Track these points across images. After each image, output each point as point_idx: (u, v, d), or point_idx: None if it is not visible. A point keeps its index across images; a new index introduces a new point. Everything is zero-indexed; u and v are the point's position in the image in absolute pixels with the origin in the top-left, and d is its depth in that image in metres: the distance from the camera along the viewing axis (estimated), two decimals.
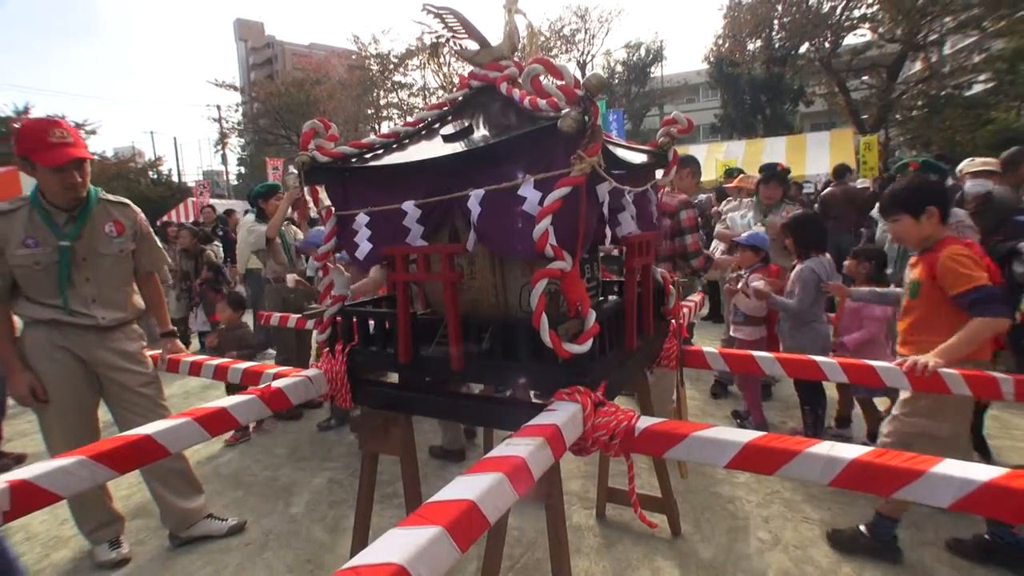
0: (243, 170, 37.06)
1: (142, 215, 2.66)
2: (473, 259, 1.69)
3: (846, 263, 3.54)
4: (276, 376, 2.04)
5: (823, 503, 2.80)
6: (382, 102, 28.59)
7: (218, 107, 33.68)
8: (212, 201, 19.70)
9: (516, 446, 1.15)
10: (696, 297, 3.08)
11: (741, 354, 2.20)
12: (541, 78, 1.35)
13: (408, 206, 1.63)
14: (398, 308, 1.70)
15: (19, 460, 3.93)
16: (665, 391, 3.11)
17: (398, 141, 1.87)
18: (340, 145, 1.84)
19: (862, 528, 2.43)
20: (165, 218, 15.45)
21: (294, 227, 5.21)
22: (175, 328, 2.86)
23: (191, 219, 15.81)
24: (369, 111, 28.60)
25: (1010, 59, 16.61)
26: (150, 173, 31.21)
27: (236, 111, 34.30)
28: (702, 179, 15.24)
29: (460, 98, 1.91)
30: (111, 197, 2.54)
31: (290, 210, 4.98)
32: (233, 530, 2.83)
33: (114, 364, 2.49)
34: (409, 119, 1.96)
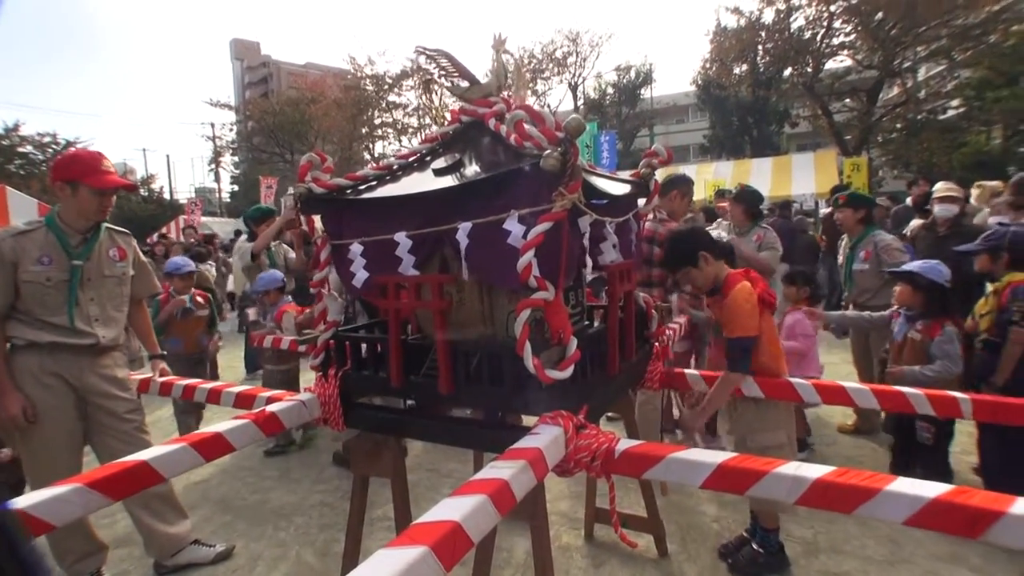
0: (236, 188, 37.14)
1: (137, 245, 2.81)
2: (462, 287, 1.76)
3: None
4: (269, 400, 2.11)
5: (805, 522, 2.86)
6: (377, 121, 28.80)
7: (212, 125, 33.90)
8: (205, 219, 19.74)
9: (499, 469, 1.21)
10: (681, 319, 3.16)
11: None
12: (524, 124, 1.44)
13: (400, 237, 1.71)
14: (390, 334, 1.77)
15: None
16: (651, 413, 3.18)
17: (391, 173, 1.95)
18: (335, 174, 1.93)
19: (754, 546, 2.54)
20: (160, 232, 15.43)
21: (286, 246, 5.28)
22: (164, 352, 2.93)
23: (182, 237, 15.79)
24: (364, 130, 28.80)
25: (977, 87, 17.49)
26: (141, 191, 31.16)
27: (231, 130, 34.47)
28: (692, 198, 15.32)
29: (451, 132, 2.00)
30: (114, 227, 2.70)
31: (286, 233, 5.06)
32: (220, 556, 2.82)
33: (103, 391, 2.52)
34: (403, 145, 2.05)
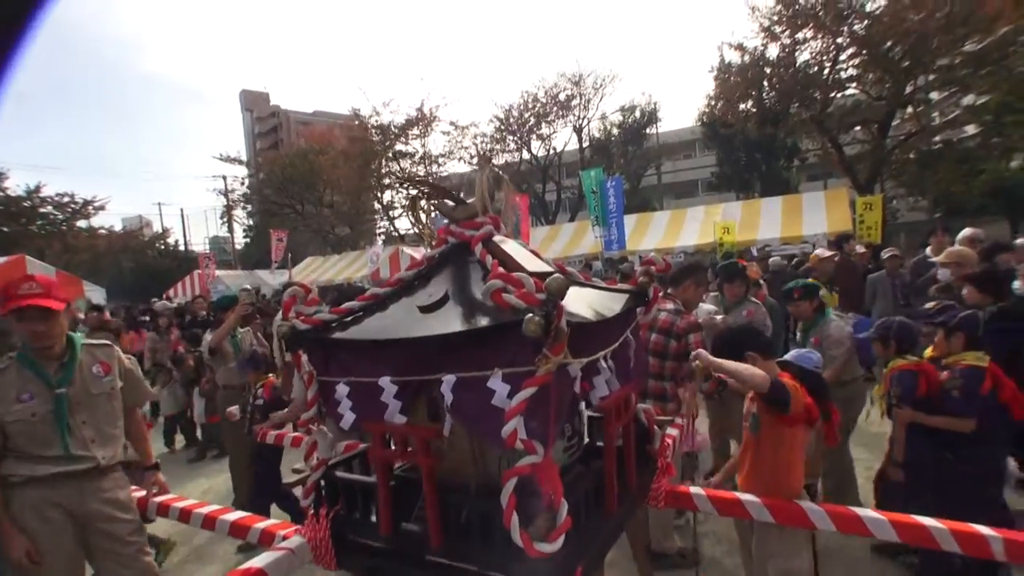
0: (248, 240, 37.60)
1: (122, 353, 2.76)
2: (451, 428, 1.69)
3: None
4: (263, 532, 2.04)
5: None
6: (383, 171, 29.16)
7: (224, 178, 34.37)
8: (219, 273, 19.94)
9: None
10: (681, 421, 3.01)
11: (729, 497, 2.16)
12: (503, 294, 1.39)
13: (384, 382, 1.65)
14: (378, 482, 1.70)
15: None
16: (665, 520, 3.04)
17: (379, 303, 1.91)
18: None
19: None
20: (168, 295, 15.64)
21: (252, 334, 5.26)
22: (158, 461, 2.89)
23: (196, 292, 16.02)
24: (372, 180, 29.17)
25: (995, 111, 16.76)
26: (157, 244, 32.01)
27: (242, 183, 35.10)
28: (701, 241, 15.23)
29: (436, 256, 1.96)
30: (93, 341, 2.66)
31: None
32: None
33: (106, 515, 2.47)
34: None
